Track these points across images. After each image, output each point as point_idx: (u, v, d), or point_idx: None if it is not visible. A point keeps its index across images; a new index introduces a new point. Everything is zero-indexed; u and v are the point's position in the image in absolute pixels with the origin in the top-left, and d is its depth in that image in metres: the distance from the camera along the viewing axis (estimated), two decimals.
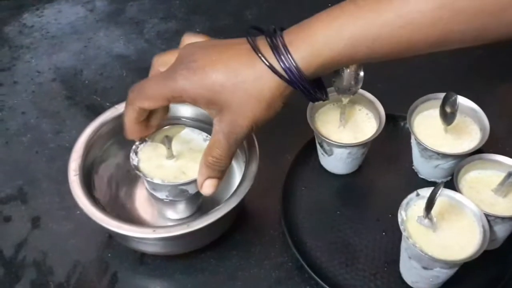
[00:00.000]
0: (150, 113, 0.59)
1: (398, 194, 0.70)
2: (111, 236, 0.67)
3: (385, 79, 0.81)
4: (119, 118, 0.64)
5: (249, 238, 0.68)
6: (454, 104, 0.65)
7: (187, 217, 0.67)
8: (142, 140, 0.62)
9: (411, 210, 0.60)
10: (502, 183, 0.62)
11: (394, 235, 0.67)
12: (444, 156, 0.67)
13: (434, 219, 0.58)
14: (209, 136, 0.63)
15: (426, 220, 0.58)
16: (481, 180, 0.65)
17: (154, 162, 0.62)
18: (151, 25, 0.97)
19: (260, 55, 0.50)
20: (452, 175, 0.67)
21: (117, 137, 0.68)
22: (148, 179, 0.60)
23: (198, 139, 0.64)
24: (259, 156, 0.64)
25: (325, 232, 0.68)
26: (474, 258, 0.56)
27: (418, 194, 0.61)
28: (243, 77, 0.51)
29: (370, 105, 0.71)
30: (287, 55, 0.50)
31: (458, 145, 0.68)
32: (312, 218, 0.69)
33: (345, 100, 0.67)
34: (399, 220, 0.59)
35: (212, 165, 0.55)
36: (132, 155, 0.62)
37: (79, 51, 0.92)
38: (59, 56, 0.91)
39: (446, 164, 0.68)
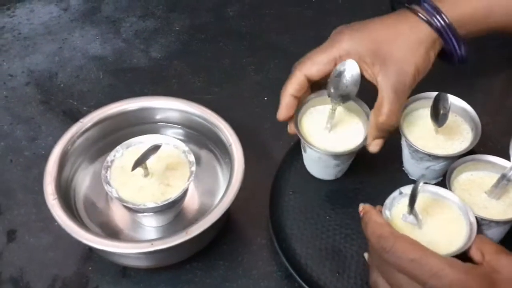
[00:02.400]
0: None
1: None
2: (92, 249, 0.64)
3: None
4: (88, 130, 0.64)
5: (236, 247, 0.66)
6: (446, 105, 0.63)
7: (165, 224, 0.64)
8: (106, 168, 0.61)
9: (395, 209, 0.58)
10: (495, 185, 0.60)
11: None
12: (436, 157, 0.65)
13: (419, 216, 0.56)
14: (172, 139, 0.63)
15: (411, 217, 0.56)
16: (474, 182, 0.63)
17: (131, 185, 0.59)
18: (129, 24, 0.94)
19: (412, 10, 0.62)
20: (443, 175, 0.65)
21: (87, 151, 0.66)
22: (141, 206, 0.58)
23: (164, 143, 0.62)
24: (245, 161, 0.62)
25: (314, 238, 0.66)
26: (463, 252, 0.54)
27: (401, 192, 0.59)
28: (401, 28, 0.61)
29: (358, 110, 0.68)
30: (440, 12, 0.61)
31: (449, 146, 0.66)
32: (301, 224, 0.67)
33: (335, 106, 0.65)
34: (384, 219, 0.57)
35: (382, 125, 0.60)
36: (106, 187, 0.59)
37: (54, 52, 0.89)
38: (32, 59, 0.88)
39: (438, 165, 0.66)
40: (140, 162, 0.58)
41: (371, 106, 0.64)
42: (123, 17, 0.95)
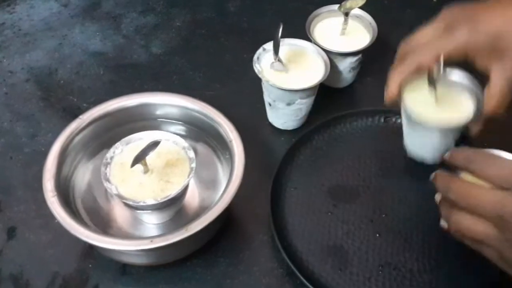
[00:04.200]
0: None
1: (391, 193, 0.69)
2: (92, 246, 0.64)
3: (377, 71, 0.78)
4: (88, 127, 0.64)
5: (237, 243, 0.65)
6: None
7: (166, 221, 0.64)
8: (106, 164, 0.60)
9: (264, 62, 0.71)
10: (344, 25, 0.76)
11: (389, 236, 0.65)
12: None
13: (284, 61, 0.69)
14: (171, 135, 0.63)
15: (277, 63, 0.69)
16: (329, 27, 0.78)
17: (131, 182, 0.59)
18: (129, 20, 0.93)
19: None
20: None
21: (86, 148, 0.66)
22: (141, 203, 0.57)
23: (164, 140, 0.61)
24: (246, 156, 0.61)
25: (316, 235, 0.66)
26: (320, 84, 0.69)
27: (264, 49, 0.71)
28: None
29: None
30: None
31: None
32: (302, 221, 0.67)
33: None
34: (256, 71, 0.69)
35: (492, 111, 0.60)
36: (106, 184, 0.59)
37: (54, 49, 0.88)
38: (32, 55, 0.87)
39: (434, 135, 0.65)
40: (139, 158, 0.57)
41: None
42: (124, 12, 0.94)
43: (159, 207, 0.59)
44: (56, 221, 0.57)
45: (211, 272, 0.63)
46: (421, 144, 0.69)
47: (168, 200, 0.58)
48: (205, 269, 0.63)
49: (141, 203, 0.57)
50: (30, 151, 0.75)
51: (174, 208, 0.63)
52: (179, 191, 0.58)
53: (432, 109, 0.64)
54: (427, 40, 0.61)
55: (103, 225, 0.63)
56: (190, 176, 0.59)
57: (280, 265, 0.64)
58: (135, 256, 0.60)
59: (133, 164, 0.57)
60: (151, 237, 0.55)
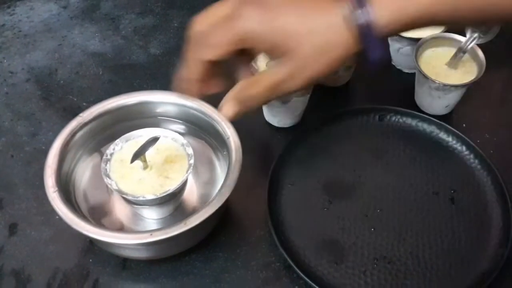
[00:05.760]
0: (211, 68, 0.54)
1: (385, 189, 0.70)
2: (92, 241, 0.65)
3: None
4: (88, 124, 0.64)
5: (234, 239, 0.66)
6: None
7: (166, 217, 0.65)
8: (106, 161, 0.61)
9: (260, 61, 0.67)
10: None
11: (383, 231, 0.66)
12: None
13: None
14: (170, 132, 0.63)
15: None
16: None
17: (131, 178, 0.60)
18: (128, 21, 0.94)
19: (339, 3, 0.47)
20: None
21: (86, 145, 0.66)
22: (140, 198, 0.58)
23: (163, 136, 0.62)
24: (243, 153, 0.62)
25: (312, 230, 0.67)
26: None
27: None
28: (316, 24, 0.47)
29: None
30: (366, 7, 0.46)
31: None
32: (299, 216, 0.68)
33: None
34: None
35: (244, 96, 0.52)
36: (106, 179, 0.60)
37: (53, 49, 0.89)
38: (32, 56, 0.88)
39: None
40: (139, 154, 0.58)
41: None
42: (122, 14, 0.95)
43: (159, 202, 0.60)
44: (57, 217, 0.58)
45: (209, 266, 0.64)
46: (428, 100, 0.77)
47: (167, 195, 0.59)
48: (204, 264, 0.64)
49: (141, 198, 0.58)
50: (31, 150, 0.76)
51: (173, 204, 0.64)
52: (178, 187, 0.59)
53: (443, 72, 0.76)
54: (213, 26, 0.51)
55: (104, 220, 0.64)
56: (189, 172, 0.60)
57: (277, 259, 0.65)
58: (135, 250, 0.61)
59: (132, 160, 0.58)
60: (151, 231, 0.56)
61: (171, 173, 0.61)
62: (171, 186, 0.59)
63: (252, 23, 0.48)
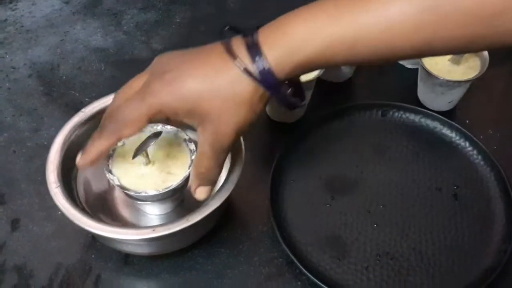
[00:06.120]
0: None
1: (388, 185, 0.70)
2: (94, 237, 0.65)
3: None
4: (90, 120, 0.64)
5: (237, 234, 0.66)
6: None
7: (168, 212, 0.65)
8: (108, 156, 0.61)
9: None
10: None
11: (386, 227, 0.66)
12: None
13: None
14: (172, 128, 0.63)
15: None
16: None
17: (133, 173, 0.60)
18: (130, 16, 0.94)
19: (233, 57, 0.47)
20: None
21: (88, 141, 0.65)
22: (142, 193, 0.58)
23: (165, 132, 0.62)
24: (245, 149, 0.62)
25: (315, 225, 0.67)
26: None
27: None
28: (218, 83, 0.48)
29: None
30: (260, 55, 0.46)
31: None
32: (302, 212, 0.68)
33: None
34: None
35: (202, 176, 0.54)
36: (108, 175, 0.59)
37: (56, 45, 0.89)
38: (34, 51, 0.88)
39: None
40: (140, 149, 0.58)
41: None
42: (124, 9, 0.95)
43: (161, 197, 0.60)
44: (59, 212, 0.58)
45: (212, 262, 0.64)
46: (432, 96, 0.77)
47: (170, 191, 0.59)
48: (206, 260, 0.64)
49: (143, 194, 0.58)
50: (33, 145, 0.76)
51: (175, 199, 0.64)
52: (180, 182, 0.59)
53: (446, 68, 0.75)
54: (128, 100, 0.51)
55: (106, 215, 0.64)
56: (191, 167, 0.60)
57: (280, 255, 0.65)
58: (137, 246, 0.61)
59: (134, 156, 0.58)
60: (153, 226, 0.56)
61: (173, 168, 0.60)
62: (173, 181, 0.59)
63: (162, 98, 0.49)
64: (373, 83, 0.83)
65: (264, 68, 0.46)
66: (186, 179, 0.61)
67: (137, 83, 0.52)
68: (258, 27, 0.48)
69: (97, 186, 0.66)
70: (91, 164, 0.55)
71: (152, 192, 0.58)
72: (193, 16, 0.94)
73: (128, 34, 0.91)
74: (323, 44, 0.46)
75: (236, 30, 0.49)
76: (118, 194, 0.66)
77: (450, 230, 0.66)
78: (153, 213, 0.65)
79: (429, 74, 0.73)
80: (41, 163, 0.63)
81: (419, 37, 0.44)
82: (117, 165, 0.61)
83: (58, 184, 0.59)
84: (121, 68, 0.86)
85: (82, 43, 0.89)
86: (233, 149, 0.62)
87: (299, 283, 0.63)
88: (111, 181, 0.59)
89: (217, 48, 0.48)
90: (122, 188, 0.59)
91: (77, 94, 0.82)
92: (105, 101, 0.66)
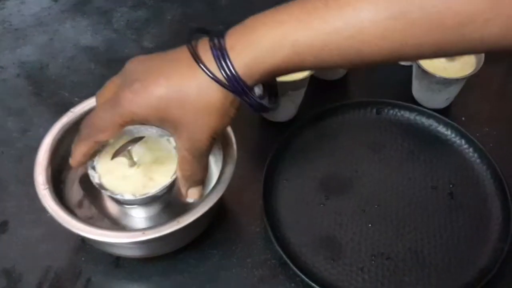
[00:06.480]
0: None
1: (383, 184, 0.69)
2: (84, 240, 0.64)
3: None
4: (79, 120, 0.61)
5: (229, 236, 0.65)
6: None
7: (158, 214, 0.63)
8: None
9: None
10: None
11: (381, 226, 0.65)
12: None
13: None
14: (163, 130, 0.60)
15: None
16: None
17: (116, 173, 0.58)
18: (120, 14, 0.93)
19: (199, 63, 0.46)
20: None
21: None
22: (118, 196, 0.57)
23: (154, 136, 0.61)
24: (237, 149, 0.61)
25: (309, 226, 0.66)
26: None
27: None
28: (186, 90, 0.47)
29: None
30: (227, 62, 0.46)
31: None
32: (295, 212, 0.67)
33: None
34: None
35: (189, 178, 0.54)
36: (90, 171, 0.58)
37: (45, 44, 0.88)
38: (23, 50, 0.87)
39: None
40: (119, 151, 0.57)
41: None
42: (114, 7, 0.94)
43: (139, 203, 0.59)
44: (48, 214, 0.57)
45: (204, 264, 0.63)
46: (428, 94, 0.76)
47: (147, 197, 0.57)
48: (198, 262, 0.63)
49: (119, 196, 0.57)
50: (22, 146, 0.74)
51: (158, 204, 0.62)
52: (158, 191, 0.57)
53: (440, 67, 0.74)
54: (102, 107, 0.52)
55: (96, 219, 0.63)
56: (173, 177, 0.58)
57: (273, 256, 0.64)
58: (127, 249, 0.59)
59: (113, 156, 0.57)
60: (143, 229, 0.55)
61: (157, 175, 0.58)
62: (153, 188, 0.57)
63: (131, 108, 0.49)
64: (367, 81, 0.82)
65: (232, 75, 0.46)
66: (168, 187, 0.59)
67: (111, 87, 0.52)
68: (226, 30, 0.48)
69: (86, 188, 0.64)
70: (79, 165, 0.56)
71: (128, 196, 0.57)
72: (184, 13, 0.93)
73: (118, 32, 0.90)
74: (291, 50, 0.45)
75: (204, 32, 0.49)
76: (106, 197, 0.64)
77: (446, 229, 0.65)
78: (138, 215, 0.63)
79: (425, 72, 0.72)
80: (30, 164, 0.61)
81: (387, 43, 0.43)
82: (103, 163, 0.59)
83: (47, 186, 0.58)
84: (112, 67, 0.84)
85: (72, 42, 0.88)
86: (224, 148, 0.61)
87: (293, 284, 0.62)
88: (91, 177, 0.58)
89: (184, 53, 0.48)
90: (100, 187, 0.57)
91: (67, 94, 0.81)
92: (94, 100, 0.64)
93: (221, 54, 0.46)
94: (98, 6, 0.94)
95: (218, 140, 0.61)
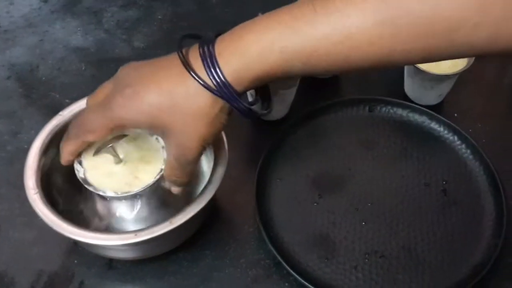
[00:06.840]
0: None
1: (376, 182, 0.69)
2: (76, 242, 0.63)
3: None
4: (68, 123, 0.60)
5: (222, 236, 0.65)
6: None
7: (151, 215, 0.63)
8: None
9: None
10: None
11: (374, 224, 0.65)
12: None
13: None
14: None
15: None
16: None
17: (101, 169, 0.58)
18: (110, 14, 0.92)
19: (189, 70, 0.47)
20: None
21: None
22: (100, 192, 0.56)
23: (143, 134, 0.60)
24: (229, 148, 0.61)
25: (302, 225, 0.65)
26: None
27: None
28: (177, 97, 0.48)
29: None
30: (217, 69, 0.46)
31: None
32: (288, 212, 0.66)
33: None
34: None
35: (173, 181, 0.55)
36: (76, 166, 0.57)
37: (34, 45, 0.87)
38: (13, 52, 0.86)
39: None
40: (100, 148, 0.57)
41: None
42: (104, 7, 0.93)
43: (120, 200, 0.58)
44: (39, 218, 0.57)
45: (197, 265, 0.63)
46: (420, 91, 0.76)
47: (129, 195, 0.57)
48: (192, 263, 0.63)
49: (101, 193, 0.56)
50: (13, 149, 0.74)
51: (145, 202, 0.61)
52: (141, 190, 0.57)
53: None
54: (92, 110, 0.53)
55: (88, 220, 0.62)
56: (157, 177, 0.57)
57: (267, 256, 0.63)
58: (120, 251, 0.59)
59: (95, 153, 0.57)
60: (135, 231, 0.54)
61: (142, 174, 0.58)
62: (136, 187, 0.57)
63: (122, 113, 0.50)
64: (359, 79, 0.81)
65: (221, 81, 0.46)
66: (151, 186, 0.58)
67: (103, 91, 0.53)
68: (217, 36, 0.48)
69: (77, 191, 0.64)
70: (67, 164, 0.57)
71: (110, 193, 0.56)
72: (174, 12, 0.92)
73: (109, 32, 0.89)
74: (280, 57, 0.45)
75: (195, 38, 0.49)
76: (97, 198, 0.64)
77: (440, 226, 0.65)
78: (128, 216, 0.62)
79: (417, 69, 0.72)
80: (21, 167, 0.61)
81: (376, 49, 0.43)
82: (89, 158, 0.58)
83: (37, 190, 0.58)
84: (102, 67, 0.84)
85: (62, 42, 0.87)
86: (216, 148, 0.61)
87: (286, 284, 0.62)
88: (76, 172, 0.57)
89: (175, 60, 0.48)
90: (84, 182, 0.57)
91: (58, 96, 0.80)
92: (84, 103, 0.64)
93: (210, 61, 0.46)
94: (88, 6, 0.93)
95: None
